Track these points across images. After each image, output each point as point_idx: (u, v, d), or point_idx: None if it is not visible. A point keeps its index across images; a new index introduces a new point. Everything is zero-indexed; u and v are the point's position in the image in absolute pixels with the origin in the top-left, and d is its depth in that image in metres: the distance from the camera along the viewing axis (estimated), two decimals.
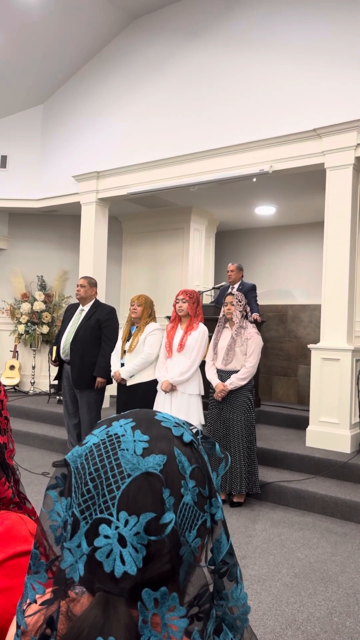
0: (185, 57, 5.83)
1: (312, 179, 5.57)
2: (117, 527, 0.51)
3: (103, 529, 0.52)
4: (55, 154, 7.10)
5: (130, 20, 6.32)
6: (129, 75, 6.34)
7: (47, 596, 0.55)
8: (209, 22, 5.65)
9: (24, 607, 0.57)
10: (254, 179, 5.39)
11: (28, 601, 0.57)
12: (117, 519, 0.52)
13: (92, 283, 4.69)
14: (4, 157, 7.29)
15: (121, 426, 0.57)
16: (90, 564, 0.52)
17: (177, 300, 4.10)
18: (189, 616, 0.54)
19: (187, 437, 0.59)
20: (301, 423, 5.51)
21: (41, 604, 0.55)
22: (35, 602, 0.56)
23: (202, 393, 4.08)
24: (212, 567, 0.59)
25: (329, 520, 3.78)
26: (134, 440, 0.55)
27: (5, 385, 7.50)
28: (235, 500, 4.00)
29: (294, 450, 4.62)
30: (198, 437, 0.62)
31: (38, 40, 6.19)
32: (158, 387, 4.10)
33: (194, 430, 0.62)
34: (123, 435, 0.56)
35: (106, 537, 0.51)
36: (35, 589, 0.57)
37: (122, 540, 0.51)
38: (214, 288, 6.69)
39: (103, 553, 0.51)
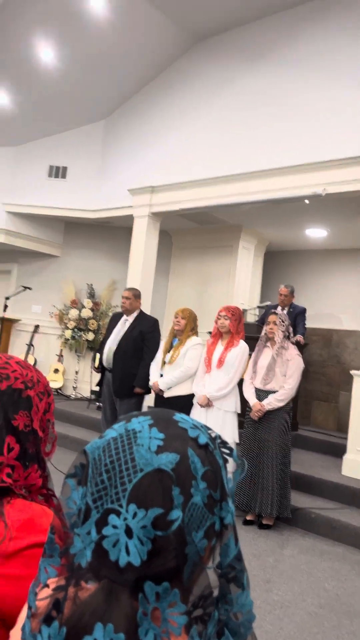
0: (244, 79, 5.90)
1: None
2: (125, 519, 0.53)
3: (112, 518, 0.54)
4: (113, 167, 7.30)
5: (194, 42, 6.47)
6: (188, 95, 6.47)
7: (60, 582, 0.58)
8: (269, 45, 5.71)
9: (37, 590, 0.60)
10: (306, 201, 5.36)
11: (40, 584, 0.59)
12: (126, 511, 0.54)
13: (136, 295, 4.76)
14: (65, 169, 7.56)
15: (139, 423, 0.59)
16: (97, 551, 0.54)
17: (219, 317, 4.10)
18: (192, 617, 0.56)
19: (203, 440, 0.60)
20: (339, 450, 5.35)
21: (53, 590, 0.58)
22: (47, 585, 0.59)
23: (239, 411, 4.05)
24: (219, 571, 0.60)
25: None
26: (150, 437, 0.57)
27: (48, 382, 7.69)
28: (264, 522, 3.93)
29: (329, 477, 4.50)
30: (216, 441, 0.63)
31: (105, 57, 6.42)
32: (194, 401, 4.11)
33: (213, 435, 0.64)
34: (140, 432, 0.58)
35: (114, 527, 0.53)
36: (48, 572, 0.59)
37: (129, 532, 0.53)
38: (258, 307, 6.66)
39: (110, 542, 0.53)
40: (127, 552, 0.53)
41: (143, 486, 0.54)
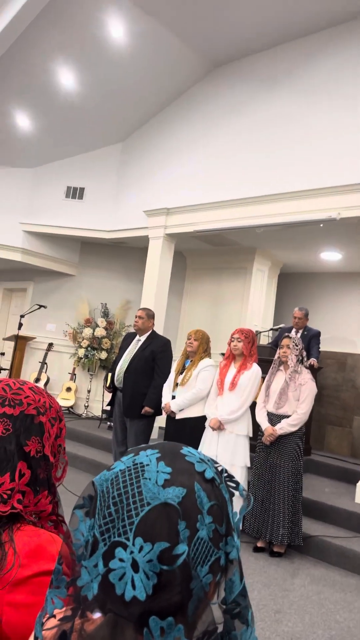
0: (260, 104, 5.99)
1: None
2: (132, 552, 0.54)
3: (119, 552, 0.54)
4: (129, 189, 7.41)
5: (211, 68, 6.60)
6: (205, 119, 6.57)
7: (67, 613, 0.58)
8: (284, 72, 5.81)
9: (43, 620, 0.60)
10: (321, 225, 5.38)
11: (47, 615, 0.60)
12: (133, 544, 0.54)
13: (149, 315, 4.79)
14: (82, 190, 7.69)
15: (147, 456, 0.60)
16: (104, 584, 0.54)
17: (233, 339, 4.10)
18: None
19: (209, 474, 0.60)
20: (353, 477, 5.27)
21: (60, 620, 0.58)
22: (54, 616, 0.59)
23: (251, 434, 4.02)
24: (224, 606, 0.60)
25: None
26: (157, 471, 0.58)
27: (60, 407, 7.71)
28: (275, 549, 3.86)
29: (342, 504, 4.42)
30: (223, 475, 0.63)
31: (123, 82, 6.57)
32: (206, 424, 4.09)
33: (219, 468, 0.64)
34: (148, 465, 0.58)
35: (121, 560, 0.54)
36: (55, 603, 0.59)
37: (135, 565, 0.53)
38: (272, 329, 6.64)
39: (116, 575, 0.53)
40: (133, 586, 0.53)
41: (150, 520, 0.55)
